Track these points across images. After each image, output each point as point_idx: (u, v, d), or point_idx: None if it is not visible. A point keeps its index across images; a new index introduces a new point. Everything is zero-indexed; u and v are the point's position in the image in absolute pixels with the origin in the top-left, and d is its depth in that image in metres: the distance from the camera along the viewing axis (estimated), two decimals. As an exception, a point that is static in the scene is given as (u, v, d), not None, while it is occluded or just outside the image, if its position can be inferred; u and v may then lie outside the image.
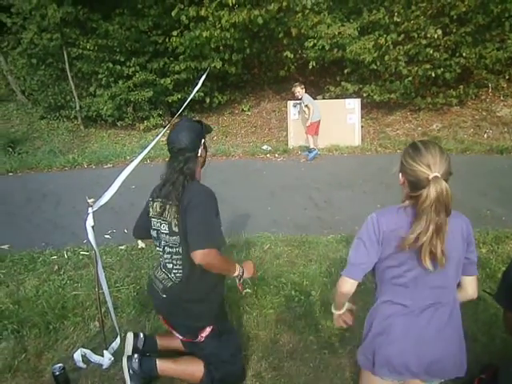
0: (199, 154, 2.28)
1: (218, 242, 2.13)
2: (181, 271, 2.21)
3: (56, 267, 4.03)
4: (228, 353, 2.35)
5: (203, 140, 2.32)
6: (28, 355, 2.84)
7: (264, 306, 3.17)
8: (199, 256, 1.99)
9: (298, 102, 7.87)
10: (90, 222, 2.42)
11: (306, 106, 7.45)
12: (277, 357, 2.68)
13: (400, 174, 1.66)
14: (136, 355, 2.39)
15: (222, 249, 2.14)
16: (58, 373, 2.44)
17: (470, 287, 1.78)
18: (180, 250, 2.19)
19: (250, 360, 2.65)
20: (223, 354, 2.34)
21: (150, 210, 2.31)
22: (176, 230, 2.16)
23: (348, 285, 1.71)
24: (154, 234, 2.33)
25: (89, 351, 2.70)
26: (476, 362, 2.50)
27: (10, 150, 8.95)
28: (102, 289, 2.66)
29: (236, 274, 2.29)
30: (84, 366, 2.66)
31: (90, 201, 2.42)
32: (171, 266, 2.25)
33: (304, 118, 7.98)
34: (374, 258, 1.67)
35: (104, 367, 2.59)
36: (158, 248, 2.35)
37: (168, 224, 2.20)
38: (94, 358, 2.67)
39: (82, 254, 4.26)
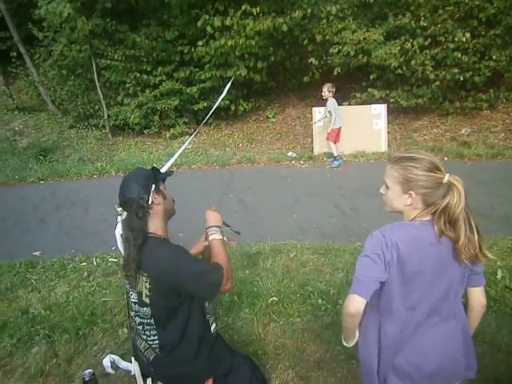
0: (150, 202, 2.00)
1: (218, 273, 1.95)
2: (156, 342, 2.04)
3: (86, 274, 4.11)
4: None
5: (153, 185, 2.04)
6: (59, 360, 2.90)
7: (291, 314, 3.16)
8: (225, 290, 1.98)
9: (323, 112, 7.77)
10: (118, 230, 2.45)
11: (329, 111, 7.32)
12: (304, 366, 2.66)
13: (409, 195, 1.56)
14: (159, 383, 2.22)
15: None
16: (88, 378, 2.47)
17: (479, 298, 1.71)
18: (152, 322, 2.02)
19: (277, 369, 2.63)
20: None
21: (123, 271, 2.09)
22: (147, 301, 1.97)
23: (358, 304, 1.57)
24: (125, 296, 2.16)
25: (117, 357, 2.72)
26: (509, 376, 2.42)
27: (42, 158, 9.20)
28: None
29: (219, 237, 2.11)
30: (113, 372, 2.67)
31: (119, 209, 2.45)
32: (145, 337, 2.08)
33: (325, 122, 7.97)
34: (382, 274, 1.56)
35: (132, 373, 2.61)
36: (130, 311, 2.15)
37: (137, 293, 2.00)
38: (123, 364, 2.69)
39: (111, 261, 4.33)
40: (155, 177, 2.08)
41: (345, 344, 1.81)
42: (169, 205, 2.12)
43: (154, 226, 2.02)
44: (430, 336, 1.61)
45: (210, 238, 2.11)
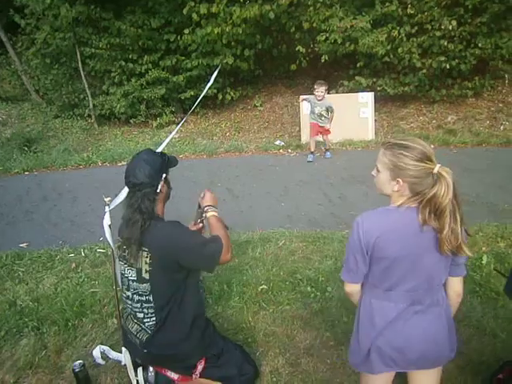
0: (159, 190, 2.09)
1: (218, 243, 2.04)
2: (153, 319, 2.09)
3: (73, 265, 4.08)
4: (234, 370, 2.27)
5: (165, 174, 2.14)
6: (48, 352, 2.89)
7: (280, 302, 3.18)
8: (226, 260, 2.06)
9: (311, 98, 7.25)
10: (107, 220, 2.44)
11: (327, 109, 7.04)
12: (294, 353, 2.69)
13: (396, 181, 1.58)
14: (151, 368, 2.30)
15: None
16: (78, 369, 2.47)
17: (456, 288, 1.76)
18: (151, 298, 2.07)
19: (267, 356, 2.66)
20: (230, 373, 2.27)
21: (118, 250, 2.18)
22: (147, 276, 2.03)
23: (350, 287, 1.74)
24: (119, 278, 2.23)
25: (107, 348, 2.72)
26: (495, 358, 2.48)
27: (26, 149, 9.05)
28: (119, 286, 2.68)
29: (216, 214, 2.25)
30: (103, 362, 2.68)
31: (106, 199, 2.44)
32: (142, 315, 2.12)
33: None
34: (364, 267, 1.64)
35: (123, 363, 2.62)
36: (123, 293, 2.22)
37: (136, 270, 2.06)
38: (113, 354, 2.69)
39: (99, 252, 4.30)
40: (167, 166, 2.17)
41: None
42: (169, 191, 2.23)
43: (157, 209, 2.12)
44: (413, 323, 1.64)
45: (208, 215, 2.22)
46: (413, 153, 1.50)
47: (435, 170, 1.48)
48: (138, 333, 2.14)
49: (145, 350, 2.13)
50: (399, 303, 1.63)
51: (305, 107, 8.22)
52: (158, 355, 2.16)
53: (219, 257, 2.03)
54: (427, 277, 1.61)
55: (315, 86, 7.03)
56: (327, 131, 7.24)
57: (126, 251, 2.07)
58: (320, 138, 7.40)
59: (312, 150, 7.24)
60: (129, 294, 2.14)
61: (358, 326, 1.76)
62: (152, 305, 2.08)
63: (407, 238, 1.56)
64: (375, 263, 1.62)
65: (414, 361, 1.68)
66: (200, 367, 2.20)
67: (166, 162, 2.17)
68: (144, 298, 2.08)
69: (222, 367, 2.26)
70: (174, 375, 2.25)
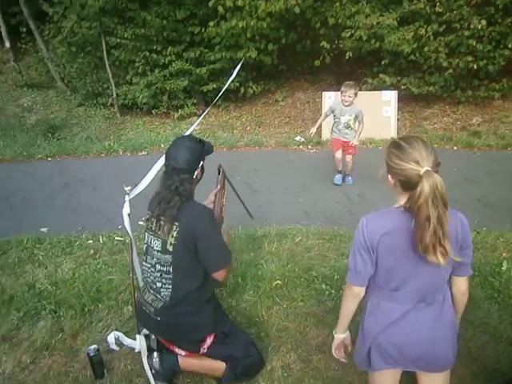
0: (195, 176, 2.23)
1: (230, 256, 2.24)
2: (170, 290, 2.21)
3: (92, 251, 4.15)
4: (240, 350, 2.35)
5: (202, 162, 2.27)
6: (64, 335, 2.96)
7: (294, 298, 3.18)
8: (221, 276, 2.19)
9: (335, 105, 5.66)
10: (126, 209, 2.47)
11: (356, 117, 5.55)
12: (305, 349, 2.70)
13: (389, 177, 1.64)
14: (155, 354, 2.40)
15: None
16: (92, 354, 2.52)
17: (461, 287, 1.75)
18: (170, 270, 2.20)
19: (279, 351, 2.67)
20: (236, 353, 2.34)
21: (147, 223, 2.32)
22: (170, 249, 2.17)
23: (357, 290, 1.74)
24: (144, 248, 2.35)
25: (122, 334, 2.77)
26: (510, 365, 2.45)
27: (50, 135, 9.18)
28: (135, 274, 2.72)
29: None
30: (117, 348, 2.73)
31: (127, 189, 2.47)
32: (160, 284, 2.24)
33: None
34: (371, 267, 1.66)
35: (136, 350, 2.66)
36: (145, 263, 2.34)
37: (162, 241, 2.19)
38: (127, 341, 2.74)
39: (117, 240, 4.37)
40: (205, 153, 2.30)
41: (335, 335, 1.92)
42: (201, 177, 2.36)
43: (193, 191, 2.27)
44: (413, 320, 1.66)
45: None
46: (404, 154, 1.55)
47: (421, 173, 1.49)
48: (153, 302, 2.26)
49: (158, 318, 2.25)
50: (405, 304, 1.66)
51: (327, 104, 8.15)
52: (170, 323, 2.26)
53: (225, 266, 2.19)
54: (430, 277, 1.62)
55: (342, 89, 5.40)
56: (352, 149, 5.69)
57: (156, 224, 2.21)
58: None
59: (339, 169, 5.86)
60: (152, 262, 2.28)
61: (363, 327, 1.78)
62: (171, 276, 2.21)
63: (405, 240, 1.58)
64: (380, 263, 1.64)
65: (413, 359, 1.69)
66: (209, 341, 2.30)
67: (204, 149, 2.29)
68: (165, 269, 2.22)
69: (229, 345, 2.34)
70: (180, 351, 2.33)
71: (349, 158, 5.75)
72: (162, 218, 2.16)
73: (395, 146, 1.62)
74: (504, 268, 3.41)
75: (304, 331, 2.85)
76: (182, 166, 2.16)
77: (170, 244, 2.16)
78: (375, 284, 1.72)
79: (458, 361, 2.47)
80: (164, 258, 2.20)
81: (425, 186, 1.46)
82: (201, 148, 2.26)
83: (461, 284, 1.74)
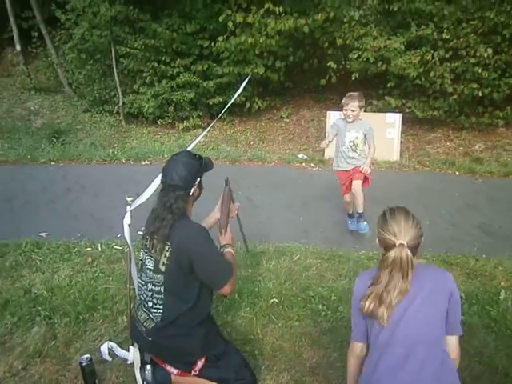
0: (191, 194, 2.19)
1: (230, 270, 2.19)
2: (160, 311, 2.18)
3: (90, 259, 4.14)
4: (232, 373, 2.30)
5: (199, 179, 2.23)
6: (57, 342, 2.94)
7: (290, 317, 3.16)
8: (226, 291, 2.16)
9: (338, 124, 4.58)
10: (127, 220, 2.48)
11: (365, 136, 4.37)
12: (299, 370, 2.67)
13: (377, 238, 1.83)
14: (148, 366, 2.36)
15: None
16: (85, 363, 2.50)
17: (450, 346, 1.76)
18: (162, 290, 2.16)
19: (273, 371, 2.64)
20: (228, 376, 2.29)
21: (142, 240, 2.30)
22: (163, 269, 2.13)
23: (352, 345, 1.88)
24: (139, 264, 2.34)
25: (115, 345, 2.74)
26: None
27: (54, 139, 9.25)
28: (133, 285, 2.71)
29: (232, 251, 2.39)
30: (110, 359, 2.71)
31: (129, 199, 2.48)
32: (151, 304, 2.21)
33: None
34: (364, 325, 1.80)
35: (129, 362, 2.63)
36: (139, 280, 2.33)
37: (155, 261, 2.17)
38: (120, 352, 2.71)
39: (116, 249, 4.36)
40: (203, 170, 2.27)
41: None
42: (200, 192, 2.33)
43: (187, 210, 2.23)
44: (407, 371, 1.66)
45: (225, 250, 2.36)
46: (385, 225, 1.76)
47: (396, 244, 1.68)
48: (145, 321, 2.23)
49: (149, 339, 2.21)
50: (400, 357, 1.66)
51: (331, 122, 8.18)
52: (161, 345, 2.23)
53: (225, 282, 2.14)
54: (418, 333, 1.66)
55: (344, 101, 4.41)
56: (361, 175, 4.36)
57: (150, 242, 2.19)
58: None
59: (350, 211, 4.82)
60: (145, 280, 2.25)
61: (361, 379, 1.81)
62: (162, 296, 2.17)
63: None
64: (369, 319, 1.75)
65: None
66: (200, 364, 2.25)
67: (202, 166, 2.26)
68: (156, 289, 2.18)
69: (220, 368, 2.29)
70: (172, 369, 2.29)
71: (357, 185, 4.32)
72: (156, 236, 2.13)
73: (383, 215, 1.82)
74: (502, 297, 3.40)
75: (298, 351, 2.83)
76: (177, 183, 2.12)
77: (163, 264, 2.12)
78: (371, 339, 1.78)
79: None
80: (156, 277, 2.17)
81: (391, 255, 1.67)
82: (198, 164, 2.22)
83: (450, 344, 1.75)
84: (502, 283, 3.69)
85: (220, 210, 2.53)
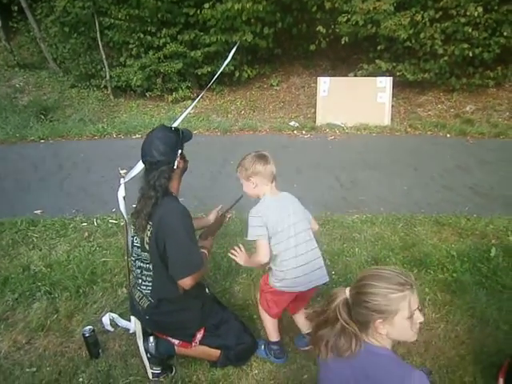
0: (175, 167, 2.14)
1: (199, 264, 2.11)
2: (150, 288, 2.21)
3: (86, 234, 4.17)
4: (232, 339, 2.37)
5: (180, 151, 2.17)
6: (59, 316, 2.99)
7: (287, 282, 3.22)
8: (186, 283, 2.07)
9: None
10: (121, 192, 2.49)
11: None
12: (297, 332, 2.74)
13: None
14: (151, 338, 2.41)
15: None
16: (88, 334, 2.56)
17: None
18: (150, 267, 2.18)
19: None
20: (228, 342, 2.37)
21: (131, 217, 2.28)
22: (147, 247, 2.13)
23: None
24: (129, 242, 2.35)
25: (116, 316, 2.81)
26: (498, 349, 2.51)
27: (42, 117, 9.10)
28: (130, 256, 2.74)
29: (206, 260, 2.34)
30: (112, 329, 2.78)
31: (122, 172, 2.48)
32: (140, 281, 2.24)
33: (335, 95, 7.91)
34: None
35: (131, 331, 2.70)
36: (131, 258, 2.34)
37: (140, 238, 2.17)
38: (122, 322, 2.78)
39: (111, 223, 4.39)
40: (182, 141, 2.20)
41: None
42: (186, 165, 2.26)
43: (172, 185, 2.18)
44: None
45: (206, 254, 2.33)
46: None
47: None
48: (140, 300, 2.27)
49: (147, 317, 2.27)
50: None
51: (322, 89, 8.13)
52: (159, 322, 2.29)
53: (188, 273, 2.06)
54: None
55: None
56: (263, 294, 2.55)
57: (136, 220, 2.17)
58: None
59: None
60: (134, 257, 2.28)
61: None
62: (151, 274, 2.20)
63: None
64: None
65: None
66: (199, 336, 2.32)
67: (180, 137, 2.20)
68: (145, 266, 2.21)
69: (220, 336, 2.36)
70: (174, 340, 2.37)
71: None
72: (140, 214, 2.12)
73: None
74: (492, 254, 3.48)
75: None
76: (158, 159, 2.09)
77: (147, 243, 2.13)
78: None
79: (445, 343, 2.56)
80: (143, 255, 2.19)
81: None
82: (176, 136, 2.18)
83: None
84: (493, 241, 3.78)
85: (214, 217, 2.59)
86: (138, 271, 2.25)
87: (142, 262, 2.21)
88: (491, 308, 2.90)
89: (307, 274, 2.36)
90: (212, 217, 2.65)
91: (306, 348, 2.55)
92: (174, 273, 2.09)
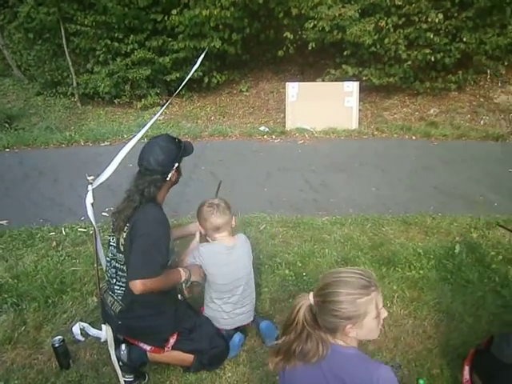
0: (168, 178, 2.16)
1: (154, 271, 2.02)
2: (123, 289, 2.19)
3: (54, 243, 4.09)
4: (205, 343, 2.37)
5: (177, 164, 2.19)
6: (27, 328, 2.92)
7: (259, 284, 3.25)
8: (136, 288, 1.98)
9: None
10: (89, 199, 2.46)
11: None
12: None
13: None
14: (123, 346, 2.38)
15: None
16: (57, 345, 2.51)
17: None
18: (125, 269, 2.16)
19: (246, 336, 2.72)
20: (201, 346, 2.36)
21: (112, 216, 2.28)
22: (121, 248, 2.14)
23: None
24: (99, 249, 2.38)
25: (87, 325, 2.78)
26: (463, 342, 2.61)
27: (7, 125, 8.85)
28: (100, 264, 2.72)
29: (183, 279, 2.26)
30: (82, 338, 2.74)
31: (89, 178, 2.46)
32: (114, 281, 2.23)
33: (303, 100, 8.03)
34: None
35: (102, 340, 2.67)
36: (106, 257, 2.34)
37: (117, 239, 2.18)
38: (93, 331, 2.74)
39: (80, 231, 4.31)
40: (181, 154, 2.20)
41: None
42: (178, 178, 2.28)
43: (160, 194, 2.19)
44: None
45: (180, 267, 2.32)
46: None
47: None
48: (112, 304, 2.26)
49: (119, 322, 2.25)
50: None
51: (290, 94, 8.22)
52: (131, 326, 2.27)
53: (145, 276, 1.98)
54: None
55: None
56: None
57: (116, 221, 2.17)
58: None
59: None
60: (109, 257, 2.27)
61: None
62: (124, 274, 2.17)
63: None
64: None
65: None
66: (172, 341, 2.31)
67: (181, 150, 2.21)
68: (119, 267, 2.20)
69: (193, 341, 2.36)
70: (146, 346, 2.34)
71: None
72: (120, 215, 2.13)
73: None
74: (457, 251, 3.61)
75: (269, 316, 2.92)
76: (154, 168, 2.10)
77: (122, 244, 2.13)
78: None
79: (414, 338, 2.64)
80: (118, 256, 2.19)
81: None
82: (177, 149, 2.18)
83: None
84: (457, 238, 3.91)
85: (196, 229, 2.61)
86: (113, 271, 2.24)
87: (117, 262, 2.20)
88: (456, 302, 3.00)
89: None
90: (193, 228, 2.65)
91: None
92: (128, 274, 2.07)
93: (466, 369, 2.25)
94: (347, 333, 1.43)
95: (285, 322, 1.56)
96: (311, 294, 1.50)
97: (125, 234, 2.11)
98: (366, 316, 1.41)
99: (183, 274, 2.27)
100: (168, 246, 2.20)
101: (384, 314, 1.48)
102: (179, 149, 2.21)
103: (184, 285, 2.33)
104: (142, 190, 2.09)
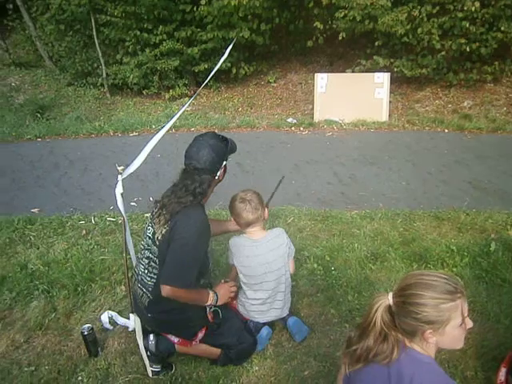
0: (217, 177, 2.15)
1: (187, 284, 2.04)
2: (154, 280, 2.17)
3: (84, 232, 4.14)
4: (233, 339, 2.35)
5: (225, 162, 2.17)
6: (57, 315, 2.97)
7: (286, 278, 3.20)
8: (165, 291, 2.01)
9: None
10: (119, 189, 2.45)
11: None
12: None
13: None
14: (151, 336, 2.39)
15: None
16: (86, 333, 2.54)
17: None
18: (157, 261, 2.15)
19: (273, 331, 2.69)
20: (229, 341, 2.35)
21: (154, 204, 2.27)
22: (157, 242, 2.12)
23: None
24: (128, 239, 2.35)
25: (115, 313, 2.79)
26: (499, 343, 2.50)
27: (39, 115, 9.05)
28: (129, 254, 2.72)
29: (208, 303, 2.25)
30: (111, 327, 2.76)
31: (119, 168, 2.44)
32: (146, 271, 2.21)
33: (332, 91, 7.89)
34: None
35: (130, 329, 2.68)
36: (142, 243, 2.33)
37: (153, 231, 2.16)
38: (121, 320, 2.76)
39: (109, 220, 4.36)
40: (228, 152, 2.19)
41: None
42: (223, 176, 2.26)
43: (207, 195, 2.20)
44: None
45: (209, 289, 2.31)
46: None
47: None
48: (141, 297, 2.25)
49: (149, 315, 2.25)
50: None
51: (319, 85, 8.10)
52: (160, 320, 2.27)
53: (177, 283, 2.01)
54: None
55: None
56: None
57: (157, 211, 2.16)
58: None
59: None
60: (143, 246, 2.27)
61: None
62: (157, 266, 2.17)
63: None
64: None
65: None
66: (200, 335, 2.31)
67: (228, 148, 2.18)
68: (153, 258, 2.18)
69: (221, 335, 2.35)
70: (174, 338, 2.35)
71: None
72: (165, 209, 2.11)
73: None
74: (492, 249, 3.47)
75: (296, 310, 2.89)
76: (204, 167, 2.07)
77: (157, 238, 2.12)
78: None
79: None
80: (153, 248, 2.18)
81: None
82: (224, 147, 2.16)
83: None
84: (492, 235, 3.76)
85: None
86: (146, 261, 2.23)
87: (151, 253, 2.19)
88: (491, 302, 2.89)
89: None
90: (232, 227, 2.65)
91: None
92: (161, 276, 2.08)
93: (503, 370, 2.16)
94: (426, 338, 1.36)
95: (361, 324, 1.50)
96: (390, 294, 1.43)
97: (164, 230, 2.08)
98: (449, 323, 1.34)
99: (210, 299, 2.26)
100: (206, 252, 2.20)
101: (469, 324, 1.39)
102: (226, 146, 2.18)
103: (208, 309, 2.32)
104: (194, 190, 2.07)
